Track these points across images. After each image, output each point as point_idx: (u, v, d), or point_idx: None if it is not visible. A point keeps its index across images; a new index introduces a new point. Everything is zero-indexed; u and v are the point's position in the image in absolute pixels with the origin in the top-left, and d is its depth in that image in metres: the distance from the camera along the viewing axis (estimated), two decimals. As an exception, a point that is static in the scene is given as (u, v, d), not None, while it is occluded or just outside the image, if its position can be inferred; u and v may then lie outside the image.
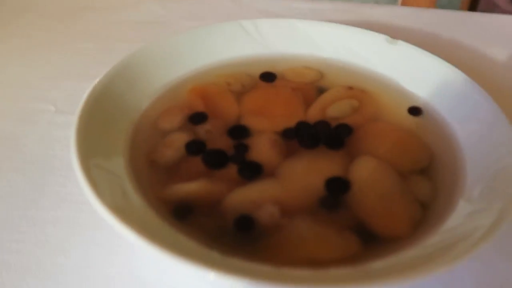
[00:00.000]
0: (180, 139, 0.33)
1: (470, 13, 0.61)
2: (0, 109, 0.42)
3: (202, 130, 0.34)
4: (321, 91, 0.39)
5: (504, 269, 0.31)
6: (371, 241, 0.28)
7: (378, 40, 0.40)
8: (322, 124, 0.35)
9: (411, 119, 0.37)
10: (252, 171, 0.31)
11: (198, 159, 0.32)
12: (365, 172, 0.31)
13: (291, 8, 0.59)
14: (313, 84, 0.39)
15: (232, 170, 0.32)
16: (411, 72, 0.39)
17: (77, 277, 0.29)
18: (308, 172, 0.32)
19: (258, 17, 0.56)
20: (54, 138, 0.39)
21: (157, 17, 0.56)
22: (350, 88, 0.38)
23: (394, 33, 0.55)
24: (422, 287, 0.29)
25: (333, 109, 0.37)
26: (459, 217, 0.28)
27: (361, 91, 0.38)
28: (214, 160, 0.32)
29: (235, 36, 0.41)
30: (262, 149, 0.33)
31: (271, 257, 0.27)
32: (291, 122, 0.35)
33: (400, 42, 0.40)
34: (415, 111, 0.37)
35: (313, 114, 0.36)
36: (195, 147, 0.33)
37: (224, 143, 0.33)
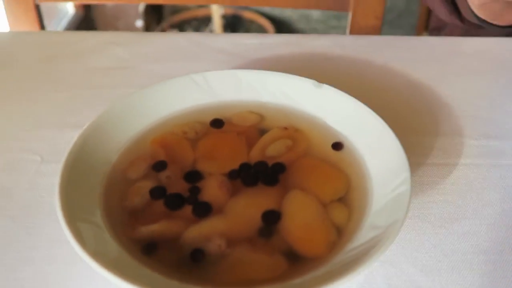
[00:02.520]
0: (145, 186, 0.41)
1: (406, 37, 0.69)
2: (-11, 162, 0.48)
3: (163, 177, 0.42)
4: (262, 132, 0.47)
5: (406, 268, 0.39)
6: (296, 261, 0.36)
7: (306, 84, 0.48)
8: (260, 164, 0.43)
9: (334, 154, 0.45)
10: (203, 211, 0.39)
11: (161, 202, 0.40)
12: (292, 204, 0.40)
13: (242, 44, 0.66)
14: (255, 126, 0.47)
15: (188, 210, 0.40)
16: (335, 112, 0.47)
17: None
18: (249, 207, 0.40)
19: (214, 56, 0.64)
20: (42, 186, 0.46)
21: (121, 62, 0.63)
22: (286, 128, 0.47)
23: (332, 61, 0.63)
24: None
25: (271, 149, 0.45)
26: (363, 238, 0.37)
27: (295, 130, 0.47)
28: (173, 203, 0.40)
29: (187, 88, 0.49)
30: (212, 190, 0.41)
31: (219, 280, 0.35)
32: (236, 164, 0.43)
33: (325, 86, 0.48)
34: (337, 146, 0.45)
35: (254, 155, 0.44)
36: (157, 193, 0.41)
37: (181, 186, 0.41)
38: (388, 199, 0.38)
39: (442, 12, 0.68)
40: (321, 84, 0.48)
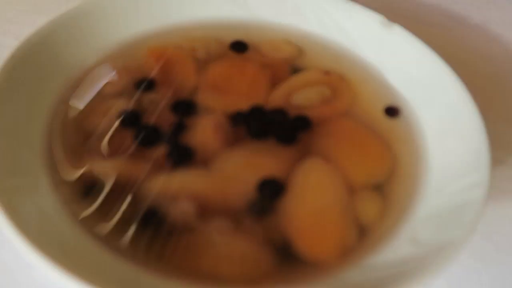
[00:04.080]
0: (116, 106, 0.30)
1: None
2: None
3: (146, 99, 0.31)
4: (295, 71, 0.34)
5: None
6: (289, 262, 0.25)
7: (371, 20, 0.35)
8: (279, 113, 0.31)
9: (385, 121, 0.32)
10: (180, 156, 0.28)
11: (128, 133, 0.29)
12: (306, 178, 0.28)
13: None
14: (288, 61, 0.35)
15: (161, 151, 0.28)
16: (400, 64, 0.34)
17: None
18: (245, 167, 0.28)
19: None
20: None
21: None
22: (327, 72, 0.34)
23: (415, 10, 0.49)
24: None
25: (301, 95, 0.32)
26: (394, 253, 0.24)
27: (339, 77, 0.34)
28: (143, 136, 0.29)
29: (214, -6, 0.37)
30: (203, 131, 0.29)
31: (167, 261, 0.24)
32: (247, 104, 0.31)
33: (396, 27, 0.34)
34: (392, 111, 0.32)
35: (276, 99, 0.32)
36: (127, 118, 0.30)
37: (165, 118, 0.30)
38: (447, 204, 0.26)
39: None
40: (392, 23, 0.35)
